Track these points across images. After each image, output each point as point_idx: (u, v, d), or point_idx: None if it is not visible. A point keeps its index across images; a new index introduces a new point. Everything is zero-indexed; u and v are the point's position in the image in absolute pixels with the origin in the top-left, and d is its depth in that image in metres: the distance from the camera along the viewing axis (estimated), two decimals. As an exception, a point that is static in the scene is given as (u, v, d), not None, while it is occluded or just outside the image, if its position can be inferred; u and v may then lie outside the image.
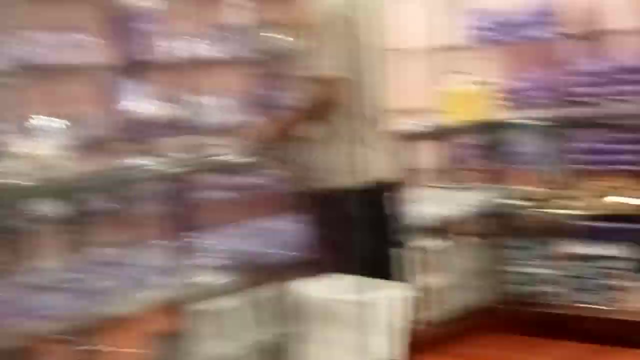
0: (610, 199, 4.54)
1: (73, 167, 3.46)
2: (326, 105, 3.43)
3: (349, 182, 3.49)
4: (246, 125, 5.94)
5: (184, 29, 5.60)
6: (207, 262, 3.78)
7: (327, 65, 3.40)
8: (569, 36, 6.19)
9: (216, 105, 5.98)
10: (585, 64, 6.08)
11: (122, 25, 5.64)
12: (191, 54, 5.76)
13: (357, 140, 3.52)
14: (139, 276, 3.56)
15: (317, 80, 3.38)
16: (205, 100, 5.94)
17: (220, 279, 3.71)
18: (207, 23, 6.04)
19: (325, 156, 3.49)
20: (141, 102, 5.64)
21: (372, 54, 3.59)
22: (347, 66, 3.45)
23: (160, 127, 5.58)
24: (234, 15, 6.28)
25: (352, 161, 3.48)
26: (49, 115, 5.21)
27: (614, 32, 6.17)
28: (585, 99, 5.91)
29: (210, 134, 5.84)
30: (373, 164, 3.58)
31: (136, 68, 5.64)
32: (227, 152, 3.83)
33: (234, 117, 6.02)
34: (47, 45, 5.27)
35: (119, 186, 4.10)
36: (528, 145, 5.97)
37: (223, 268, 3.77)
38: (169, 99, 5.70)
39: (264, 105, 6.23)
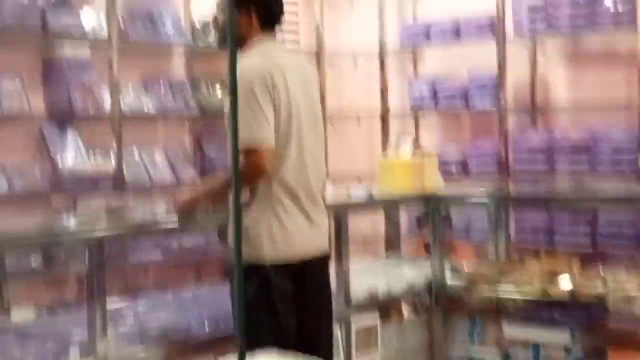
0: (553, 282, 4.42)
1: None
2: (251, 175, 3.24)
3: (277, 254, 3.30)
4: (177, 184, 5.75)
5: (119, 80, 5.41)
6: (127, 332, 3.55)
7: (253, 132, 3.21)
8: (512, 108, 6.17)
9: (149, 161, 5.78)
10: (529, 138, 6.05)
11: (56, 74, 5.43)
12: (126, 107, 5.57)
13: (286, 210, 3.32)
14: (55, 348, 3.32)
15: (244, 149, 3.17)
16: (137, 155, 5.74)
17: (139, 352, 3.48)
18: (143, 76, 5.87)
19: (253, 226, 3.28)
20: (72, 155, 5.41)
21: (306, 118, 3.40)
22: (278, 132, 3.27)
23: (90, 181, 5.35)
24: (171, 69, 6.14)
25: (280, 232, 3.29)
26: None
27: (556, 107, 6.17)
28: (527, 174, 5.87)
29: (140, 191, 5.64)
30: (304, 236, 3.39)
31: (68, 119, 5.43)
32: (155, 214, 3.63)
33: (166, 174, 5.82)
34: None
35: (41, 246, 3.87)
36: (469, 219, 5.89)
37: (144, 339, 3.54)
38: (101, 153, 5.48)
39: (198, 164, 6.06)
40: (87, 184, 5.35)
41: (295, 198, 3.33)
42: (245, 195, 3.26)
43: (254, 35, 3.39)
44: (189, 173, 5.92)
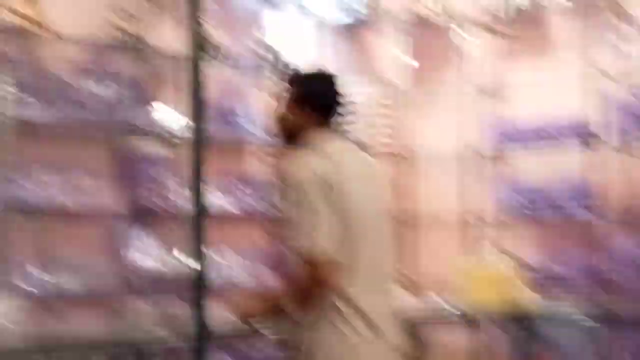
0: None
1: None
2: (309, 288, 2.95)
3: None
4: (254, 286, 5.53)
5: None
6: None
7: (310, 240, 2.94)
8: (608, 216, 5.79)
9: (225, 262, 5.57)
10: (626, 249, 5.65)
11: (131, 170, 5.32)
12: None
13: (350, 326, 2.99)
14: None
15: (306, 260, 2.90)
16: (214, 255, 5.53)
17: None
18: (220, 174, 5.72)
19: (312, 344, 2.98)
20: (147, 254, 5.26)
21: (372, 222, 3.09)
22: (340, 242, 2.96)
23: (164, 282, 5.17)
24: (251, 166, 5.99)
25: (343, 352, 2.96)
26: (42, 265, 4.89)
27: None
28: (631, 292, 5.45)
29: (218, 294, 5.42)
30: (372, 355, 3.04)
31: (144, 216, 5.29)
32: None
33: (243, 276, 5.61)
34: (50, 187, 4.94)
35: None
36: (564, 341, 5.48)
37: None
38: (176, 252, 5.31)
39: (275, 266, 5.83)
40: (162, 285, 5.18)
41: (360, 312, 2.97)
42: (302, 308, 2.97)
43: (310, 129, 3.11)
44: (267, 276, 5.70)
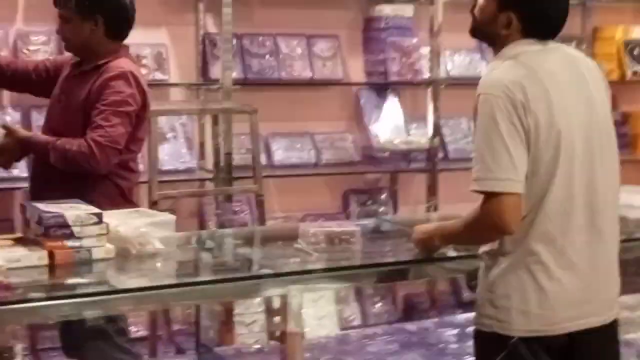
0: None
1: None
2: (487, 227, 2.42)
3: (530, 324, 2.45)
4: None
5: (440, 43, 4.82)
6: None
7: (491, 172, 2.37)
8: None
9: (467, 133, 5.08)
10: None
11: (374, 35, 4.96)
12: (445, 73, 4.98)
13: (546, 268, 2.42)
14: None
15: (480, 192, 2.39)
16: (455, 127, 5.12)
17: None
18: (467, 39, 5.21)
19: (498, 284, 2.47)
20: (388, 125, 4.94)
21: (583, 145, 2.42)
22: (534, 169, 2.40)
23: (402, 155, 4.86)
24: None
25: (536, 296, 2.41)
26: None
27: None
28: None
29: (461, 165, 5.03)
30: (573, 300, 2.44)
31: (385, 85, 4.96)
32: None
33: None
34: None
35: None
36: None
37: None
38: (417, 124, 4.96)
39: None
40: (400, 158, 4.87)
41: (559, 252, 2.44)
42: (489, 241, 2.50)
43: (512, 40, 2.50)
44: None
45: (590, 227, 2.47)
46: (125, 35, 3.27)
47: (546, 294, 2.43)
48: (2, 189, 4.10)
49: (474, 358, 2.58)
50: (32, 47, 4.20)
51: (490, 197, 2.36)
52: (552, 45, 2.50)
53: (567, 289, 2.44)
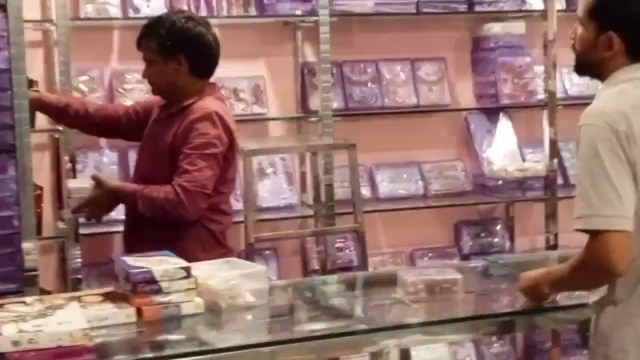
0: None
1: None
2: (594, 267, 2.20)
3: None
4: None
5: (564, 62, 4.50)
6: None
7: (596, 209, 2.16)
8: None
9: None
10: None
11: (483, 55, 4.68)
12: (562, 93, 4.65)
13: None
14: None
15: (586, 230, 2.18)
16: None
17: None
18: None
19: (610, 327, 2.27)
20: (500, 151, 4.66)
21: None
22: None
23: (517, 183, 4.55)
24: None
25: None
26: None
27: None
28: None
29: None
30: None
31: (496, 108, 4.67)
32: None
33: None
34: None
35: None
36: None
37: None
38: (532, 148, 4.65)
39: None
40: (515, 186, 4.55)
41: None
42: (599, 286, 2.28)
43: (617, 64, 2.28)
44: None
45: None
46: (210, 73, 3.15)
47: None
48: (102, 233, 4.02)
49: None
50: (127, 86, 4.12)
51: (595, 235, 2.17)
52: None
53: None
